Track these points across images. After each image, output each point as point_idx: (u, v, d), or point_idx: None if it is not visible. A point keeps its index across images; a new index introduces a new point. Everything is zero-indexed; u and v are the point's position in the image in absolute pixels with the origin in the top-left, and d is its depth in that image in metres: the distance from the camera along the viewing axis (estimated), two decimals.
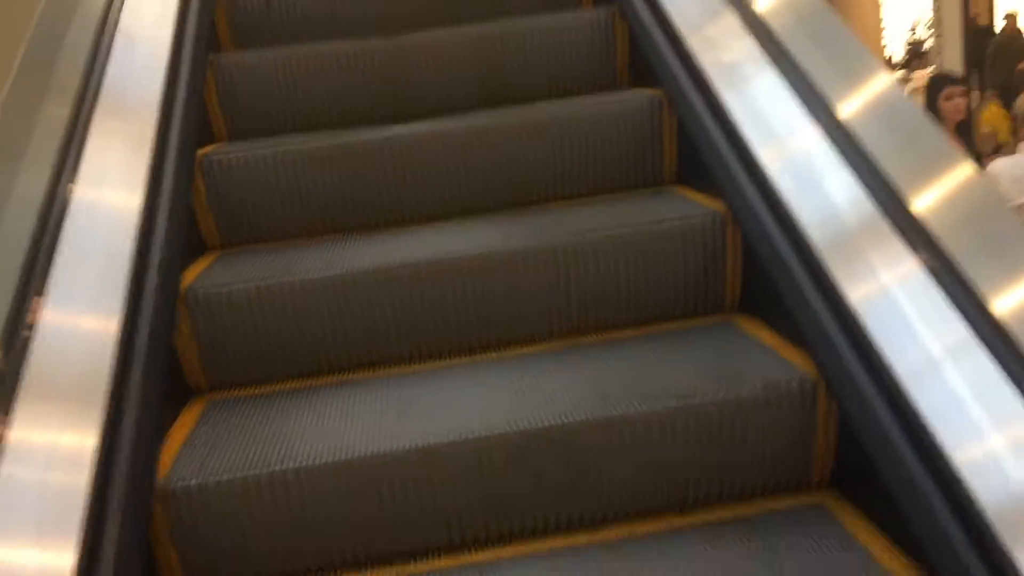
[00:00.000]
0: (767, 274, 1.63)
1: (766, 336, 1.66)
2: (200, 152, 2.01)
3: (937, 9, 12.30)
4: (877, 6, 13.46)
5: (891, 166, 1.48)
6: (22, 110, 1.59)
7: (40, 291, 1.33)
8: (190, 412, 1.64)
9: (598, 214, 1.93)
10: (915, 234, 1.36)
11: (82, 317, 1.41)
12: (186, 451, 1.46)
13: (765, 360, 1.55)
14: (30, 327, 1.26)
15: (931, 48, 13.35)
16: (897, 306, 1.33)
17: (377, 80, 2.32)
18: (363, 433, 1.46)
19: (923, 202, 1.38)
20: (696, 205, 1.88)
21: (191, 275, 1.79)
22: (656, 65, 2.12)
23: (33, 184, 1.46)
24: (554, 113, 2.10)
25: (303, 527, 1.39)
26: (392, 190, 2.05)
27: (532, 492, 1.43)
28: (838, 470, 1.49)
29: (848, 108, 1.55)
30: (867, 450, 1.32)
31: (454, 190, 2.07)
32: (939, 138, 1.48)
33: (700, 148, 1.90)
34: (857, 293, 1.39)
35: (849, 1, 12.04)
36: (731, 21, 1.93)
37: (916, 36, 15.35)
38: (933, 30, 12.91)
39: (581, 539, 1.45)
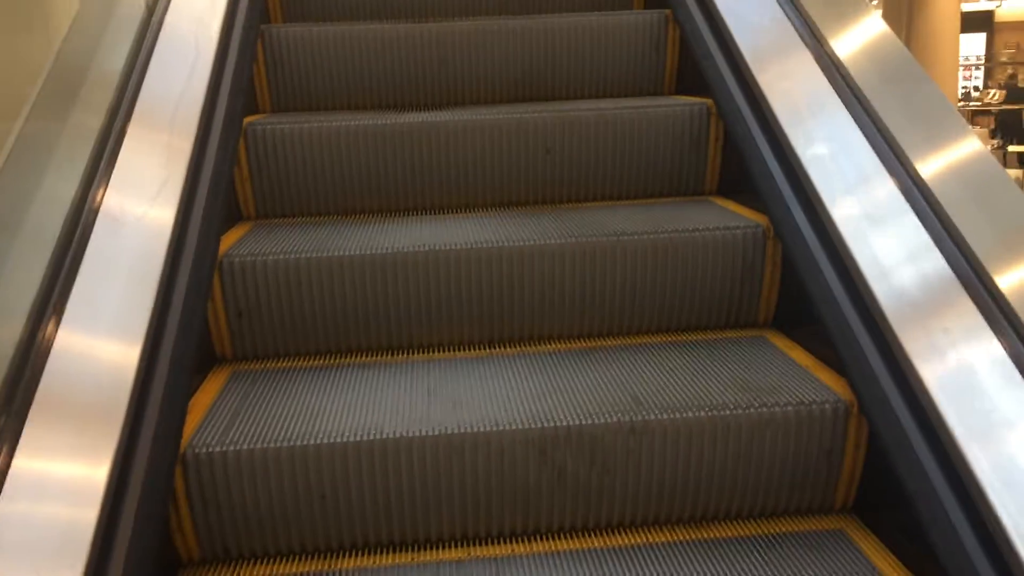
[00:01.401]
0: (805, 292, 1.61)
1: (799, 355, 1.64)
2: (245, 120, 2.01)
3: None
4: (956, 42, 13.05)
5: (943, 198, 1.46)
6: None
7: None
8: (215, 379, 1.64)
9: (637, 217, 1.91)
10: (966, 271, 1.35)
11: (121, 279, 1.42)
12: (209, 418, 1.46)
13: (798, 378, 1.53)
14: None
15: None
16: (940, 343, 1.31)
17: (425, 65, 2.31)
18: (389, 415, 1.45)
19: (979, 242, 1.36)
20: (737, 216, 1.86)
21: (227, 242, 1.78)
22: (707, 71, 2.10)
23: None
24: (600, 112, 2.08)
25: (321, 505, 1.38)
26: (433, 176, 2.05)
27: (553, 490, 1.42)
28: (862, 496, 1.47)
29: (911, 137, 1.54)
30: (899, 478, 1.29)
31: (495, 181, 2.07)
32: (998, 171, 1.46)
33: (746, 159, 1.88)
34: (899, 322, 1.37)
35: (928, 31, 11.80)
36: (788, 31, 1.92)
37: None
38: None
39: (598, 543, 1.43)
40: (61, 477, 1.12)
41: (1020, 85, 16.46)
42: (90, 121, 1.57)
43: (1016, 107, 13.40)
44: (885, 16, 11.46)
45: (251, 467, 1.36)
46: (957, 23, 12.48)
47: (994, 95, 15.27)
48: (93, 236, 1.40)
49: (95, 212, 1.44)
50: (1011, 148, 11.51)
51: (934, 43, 11.80)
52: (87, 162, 1.50)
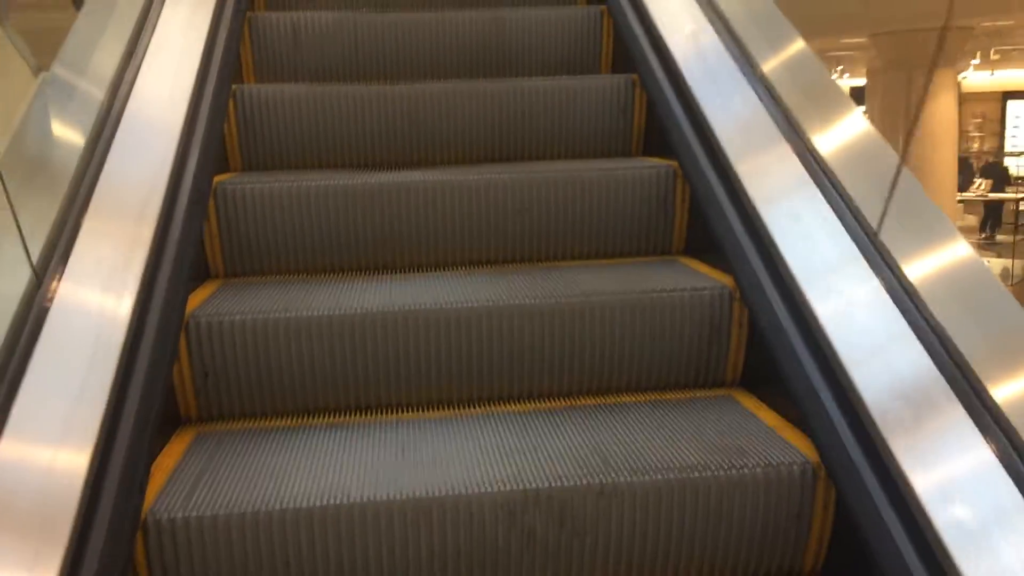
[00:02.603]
0: (771, 353, 1.63)
1: (766, 415, 1.66)
2: (216, 179, 2.01)
3: None
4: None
5: (906, 263, 1.50)
6: None
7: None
8: (179, 441, 1.61)
9: (607, 277, 1.93)
10: (927, 334, 1.38)
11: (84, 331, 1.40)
12: (172, 482, 1.43)
13: (765, 439, 1.54)
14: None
15: None
16: (906, 407, 1.33)
17: (397, 125, 2.34)
18: (357, 477, 1.43)
19: (937, 298, 1.39)
20: (705, 277, 1.89)
21: (194, 301, 1.77)
22: (672, 135, 2.15)
23: None
24: (570, 173, 2.11)
25: (285, 573, 1.35)
26: (403, 234, 2.06)
27: (523, 552, 1.41)
28: (832, 559, 1.47)
29: (873, 199, 1.58)
30: (866, 541, 1.30)
31: (466, 240, 2.08)
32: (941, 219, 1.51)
33: (711, 221, 1.92)
34: (865, 383, 1.39)
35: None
36: (750, 96, 1.97)
37: None
38: None
39: None
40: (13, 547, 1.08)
41: (994, 161, 17.03)
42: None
43: (999, 196, 14.01)
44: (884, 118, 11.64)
45: (214, 533, 1.33)
46: (955, 130, 12.54)
47: (980, 184, 15.79)
48: (52, 310, 1.37)
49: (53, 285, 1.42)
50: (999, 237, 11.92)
51: (932, 152, 11.87)
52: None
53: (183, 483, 1.42)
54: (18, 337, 1.26)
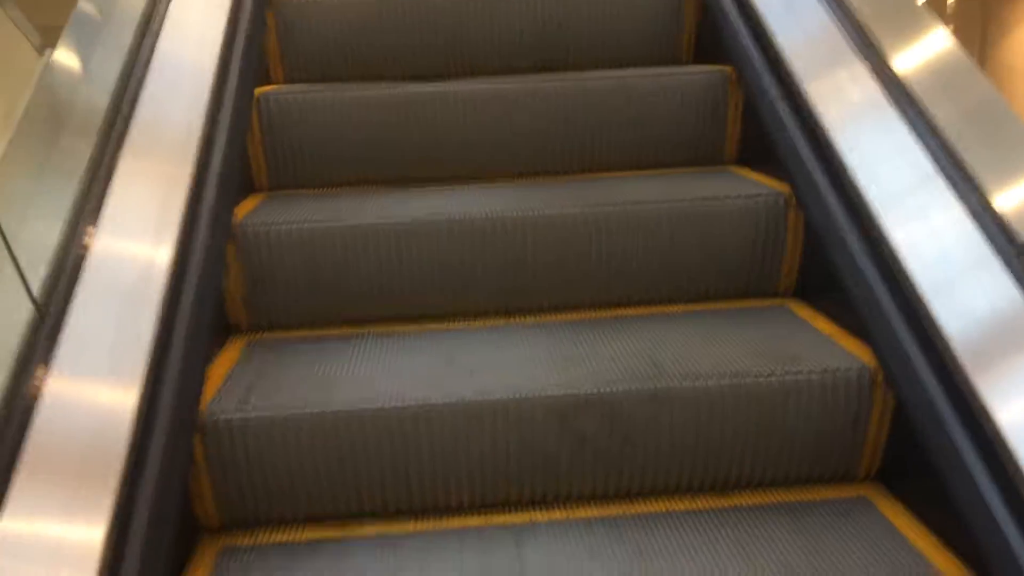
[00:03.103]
0: (829, 261, 1.59)
1: (822, 323, 1.62)
2: (257, 91, 1.99)
3: None
4: None
5: (971, 158, 1.43)
6: None
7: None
8: (231, 350, 1.63)
9: (654, 187, 1.89)
10: (1006, 249, 1.31)
11: (135, 246, 1.40)
12: (226, 387, 1.45)
13: (821, 346, 1.51)
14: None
15: None
16: (970, 308, 1.28)
17: (438, 34, 2.28)
18: (408, 384, 1.43)
19: (1008, 197, 1.33)
20: (758, 185, 1.83)
21: (241, 212, 1.77)
22: (726, 38, 2.07)
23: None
24: (618, 80, 2.05)
25: (340, 471, 1.38)
26: (446, 146, 2.02)
27: (574, 457, 1.41)
28: (888, 464, 1.46)
29: (942, 101, 1.50)
30: (925, 445, 1.28)
31: (509, 150, 2.05)
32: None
33: (767, 126, 1.85)
34: (932, 291, 1.34)
35: None
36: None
37: None
38: None
39: (618, 510, 1.42)
40: (85, 423, 1.11)
41: None
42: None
43: None
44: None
45: (269, 434, 1.35)
46: None
47: None
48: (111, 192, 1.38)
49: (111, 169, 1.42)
50: None
51: (1012, 77, 11.13)
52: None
53: (237, 388, 1.44)
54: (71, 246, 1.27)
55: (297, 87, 2.08)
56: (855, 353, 1.47)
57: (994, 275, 1.29)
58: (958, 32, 11.30)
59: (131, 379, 1.20)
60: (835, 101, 1.68)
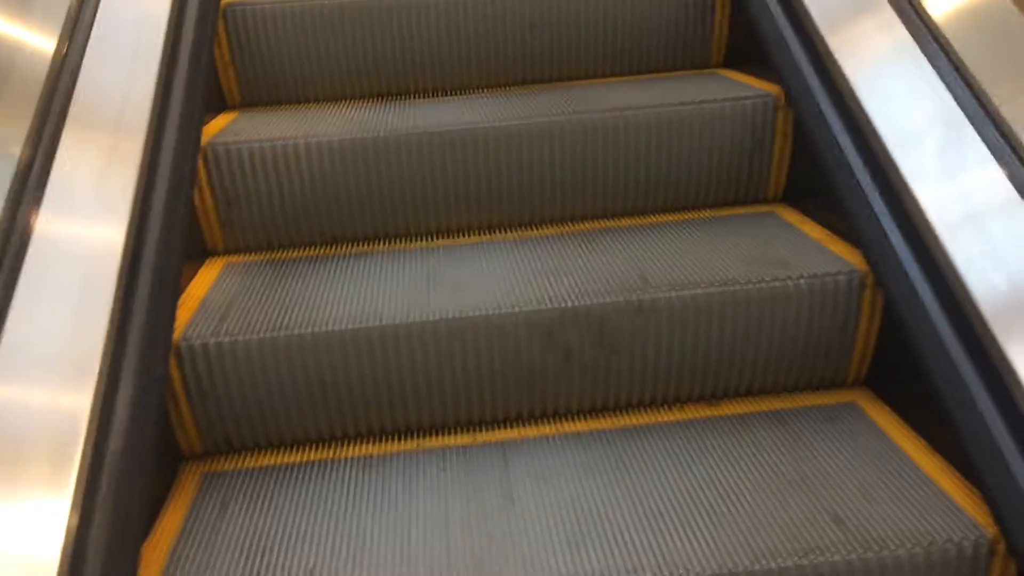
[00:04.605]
0: (819, 161, 1.54)
1: (812, 228, 1.59)
2: (224, 2, 1.89)
3: None
4: None
5: (969, 58, 1.37)
6: None
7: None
8: (207, 272, 1.59)
9: (639, 92, 1.82)
10: (1000, 147, 1.26)
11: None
12: (203, 310, 1.41)
13: (810, 251, 1.48)
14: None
15: None
16: (961, 210, 1.24)
17: None
18: (388, 302, 1.40)
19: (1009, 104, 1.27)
20: (746, 87, 1.77)
21: (212, 130, 1.70)
22: None
23: None
24: None
25: (321, 393, 1.35)
26: (421, 53, 1.94)
27: (560, 372, 1.39)
28: (876, 369, 1.44)
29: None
30: (914, 347, 1.25)
31: (488, 59, 1.97)
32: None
33: (757, 24, 1.77)
34: (922, 191, 1.30)
35: None
36: None
37: None
38: None
39: (607, 424, 1.41)
40: (52, 362, 1.07)
41: None
42: None
43: None
44: None
45: (248, 357, 1.32)
46: None
47: None
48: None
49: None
50: None
51: None
52: None
53: (214, 311, 1.40)
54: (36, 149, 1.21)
55: None
56: (844, 257, 1.44)
57: (990, 173, 1.25)
58: None
59: (101, 308, 1.15)
60: None
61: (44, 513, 0.92)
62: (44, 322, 1.07)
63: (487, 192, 1.68)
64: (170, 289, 1.33)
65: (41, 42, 1.37)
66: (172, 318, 1.33)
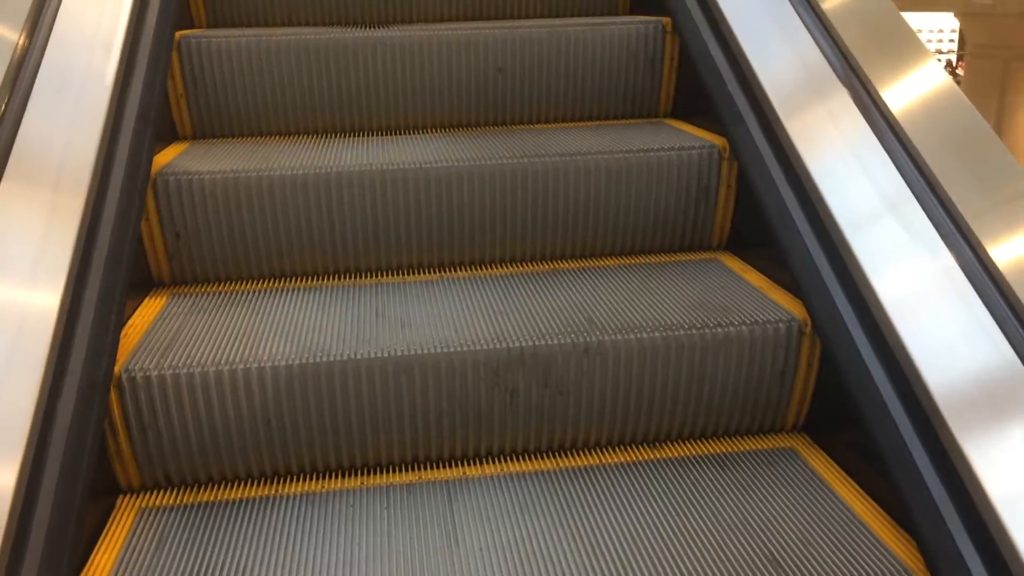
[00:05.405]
0: (761, 212, 1.59)
1: (753, 276, 1.63)
2: (178, 34, 1.89)
3: None
4: None
5: (902, 115, 1.44)
6: None
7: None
8: (153, 303, 1.56)
9: (589, 138, 1.86)
10: (921, 187, 1.33)
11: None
12: (146, 342, 1.39)
13: (751, 299, 1.52)
14: None
15: None
16: (896, 262, 1.30)
17: None
18: (336, 338, 1.40)
19: (936, 159, 1.34)
20: (693, 137, 1.82)
21: (162, 160, 1.69)
22: None
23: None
24: (552, 28, 2.01)
25: (266, 429, 1.34)
26: (376, 93, 1.96)
27: (506, 411, 1.40)
28: (814, 416, 1.48)
29: (871, 50, 1.50)
30: (851, 396, 1.29)
31: (444, 101, 1.99)
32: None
33: (703, 78, 1.84)
34: (856, 236, 1.35)
35: None
36: None
37: None
38: None
39: (551, 464, 1.42)
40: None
41: None
42: None
43: None
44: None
45: (191, 391, 1.31)
46: None
47: None
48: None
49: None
50: None
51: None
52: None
53: (158, 343, 1.38)
54: None
55: (220, 31, 1.98)
56: (784, 305, 1.48)
57: (926, 228, 1.31)
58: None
59: (41, 333, 1.13)
60: (769, 55, 1.68)
61: None
62: None
63: (438, 231, 1.70)
64: (113, 325, 1.31)
65: None
66: (114, 353, 1.31)
